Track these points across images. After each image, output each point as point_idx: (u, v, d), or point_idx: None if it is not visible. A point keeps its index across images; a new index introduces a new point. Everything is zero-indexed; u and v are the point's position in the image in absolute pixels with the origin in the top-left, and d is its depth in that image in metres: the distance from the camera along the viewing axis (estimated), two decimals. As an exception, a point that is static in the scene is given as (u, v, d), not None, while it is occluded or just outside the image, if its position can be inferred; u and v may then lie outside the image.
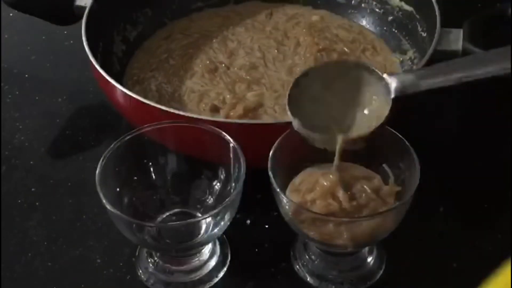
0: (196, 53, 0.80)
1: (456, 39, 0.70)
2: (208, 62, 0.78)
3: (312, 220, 0.54)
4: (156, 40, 0.84)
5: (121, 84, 0.67)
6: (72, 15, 0.80)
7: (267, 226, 0.65)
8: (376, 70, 0.58)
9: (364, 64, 0.60)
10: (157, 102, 0.74)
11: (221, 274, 0.62)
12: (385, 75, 0.57)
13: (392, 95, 0.57)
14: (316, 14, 0.86)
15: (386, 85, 0.57)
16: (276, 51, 0.80)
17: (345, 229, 0.54)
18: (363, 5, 0.85)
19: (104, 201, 0.55)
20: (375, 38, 0.83)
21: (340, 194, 0.56)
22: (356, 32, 0.83)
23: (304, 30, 0.82)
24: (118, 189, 0.60)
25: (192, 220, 0.62)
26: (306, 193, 0.57)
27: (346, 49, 0.80)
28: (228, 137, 0.59)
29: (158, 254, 0.62)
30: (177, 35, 0.84)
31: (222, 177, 0.62)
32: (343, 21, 0.85)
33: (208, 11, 0.87)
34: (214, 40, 0.82)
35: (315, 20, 0.84)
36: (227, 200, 0.55)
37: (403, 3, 0.81)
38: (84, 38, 0.71)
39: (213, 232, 0.58)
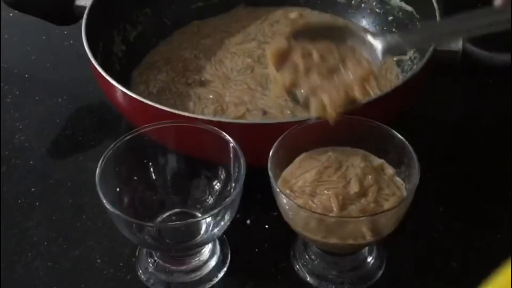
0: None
1: (456, 39, 0.70)
2: (214, 67, 0.80)
3: (312, 220, 0.54)
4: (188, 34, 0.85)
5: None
6: (72, 15, 0.80)
7: (267, 226, 0.65)
8: (362, 33, 0.58)
9: (349, 27, 0.60)
10: (158, 92, 0.76)
11: (221, 274, 0.62)
12: (369, 37, 0.57)
13: (380, 58, 0.56)
14: (294, 11, 0.86)
15: (372, 48, 0.56)
16: (262, 50, 0.80)
17: (345, 229, 0.54)
18: (363, 5, 0.85)
19: (104, 201, 0.55)
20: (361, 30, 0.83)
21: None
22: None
23: (286, 27, 0.82)
24: (118, 189, 0.60)
25: (192, 220, 0.62)
26: (305, 195, 0.57)
27: None
28: (228, 137, 0.59)
29: (158, 254, 0.62)
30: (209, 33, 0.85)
31: (222, 177, 0.62)
32: (325, 16, 0.85)
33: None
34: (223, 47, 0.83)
35: (294, 17, 0.84)
36: (227, 200, 0.55)
37: (403, 3, 0.81)
38: (84, 38, 0.71)
39: (213, 232, 0.58)
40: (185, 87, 0.77)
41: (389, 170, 0.58)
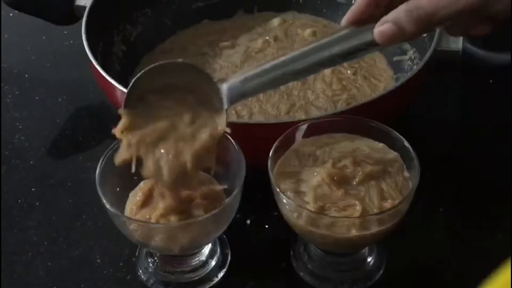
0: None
1: (456, 39, 0.70)
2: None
3: (313, 220, 0.54)
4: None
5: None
6: (72, 15, 0.80)
7: (267, 226, 0.65)
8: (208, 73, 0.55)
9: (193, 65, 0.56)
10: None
11: (221, 274, 0.62)
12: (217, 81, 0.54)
13: (226, 106, 0.54)
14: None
15: (219, 94, 0.54)
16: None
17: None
18: (363, 5, 0.85)
19: (104, 201, 0.55)
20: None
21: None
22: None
23: (298, 34, 0.84)
24: (118, 189, 0.60)
25: (192, 220, 0.62)
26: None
27: None
28: (228, 137, 0.59)
29: (158, 254, 0.62)
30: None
31: (222, 177, 0.62)
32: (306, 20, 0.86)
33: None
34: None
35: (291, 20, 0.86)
36: (227, 200, 0.55)
37: (403, 3, 0.80)
38: (84, 38, 0.71)
39: (213, 232, 0.58)
40: None
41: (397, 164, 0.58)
